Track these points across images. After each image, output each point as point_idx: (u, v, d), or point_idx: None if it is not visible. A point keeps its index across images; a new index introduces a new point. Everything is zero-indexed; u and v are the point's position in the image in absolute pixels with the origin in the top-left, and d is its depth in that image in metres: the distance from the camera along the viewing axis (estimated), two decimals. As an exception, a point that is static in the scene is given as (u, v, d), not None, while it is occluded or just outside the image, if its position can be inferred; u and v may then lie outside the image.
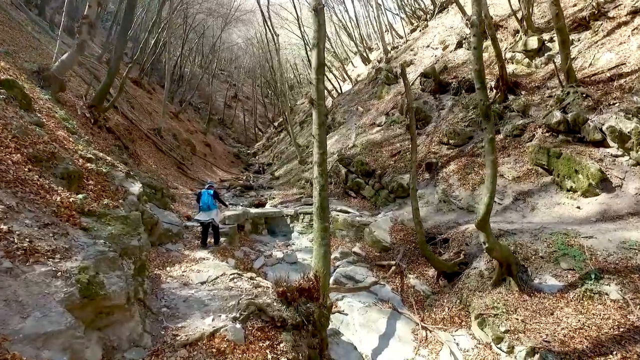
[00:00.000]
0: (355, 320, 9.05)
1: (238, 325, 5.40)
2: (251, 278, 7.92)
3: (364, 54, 35.88)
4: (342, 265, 11.61)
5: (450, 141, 15.56)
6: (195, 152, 30.52)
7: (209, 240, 11.10)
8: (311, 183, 17.96)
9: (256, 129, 54.23)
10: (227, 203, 13.00)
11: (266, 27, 29.13)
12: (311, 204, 16.16)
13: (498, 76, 15.41)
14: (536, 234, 9.83)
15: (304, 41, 30.87)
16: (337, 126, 23.01)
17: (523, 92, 14.72)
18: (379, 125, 19.55)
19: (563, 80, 12.85)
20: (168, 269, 8.28)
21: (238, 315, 5.65)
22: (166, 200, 12.59)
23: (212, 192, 11.04)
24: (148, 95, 33.93)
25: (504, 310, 8.33)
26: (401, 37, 31.13)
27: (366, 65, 34.95)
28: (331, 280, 10.76)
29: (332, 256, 12.40)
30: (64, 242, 4.38)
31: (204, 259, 9.52)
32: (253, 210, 14.40)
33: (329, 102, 32.03)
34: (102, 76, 20.34)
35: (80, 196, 5.91)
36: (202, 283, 7.40)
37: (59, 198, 5.41)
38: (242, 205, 18.69)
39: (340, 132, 22.07)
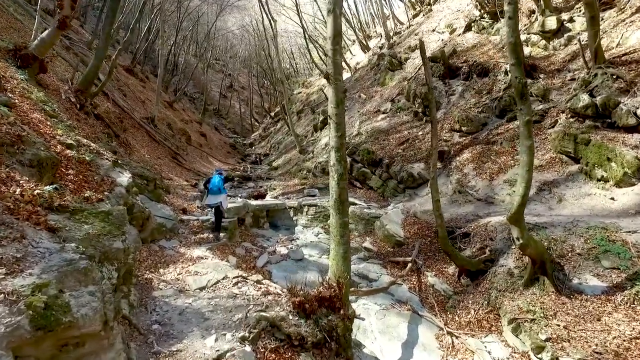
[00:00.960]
0: (374, 326, 7.96)
1: (248, 348, 4.28)
2: (258, 282, 6.78)
3: (363, 42, 34.53)
4: (353, 262, 10.48)
5: (463, 128, 14.44)
6: (191, 142, 29.19)
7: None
8: (314, 173, 16.83)
9: (252, 119, 52.80)
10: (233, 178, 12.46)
11: (263, 12, 27.69)
12: (314, 195, 15.08)
13: (514, 59, 14.24)
14: (569, 228, 8.77)
15: (302, 28, 29.51)
16: (338, 114, 21.82)
17: (542, 76, 13.60)
18: (384, 113, 18.38)
19: (589, 61, 11.71)
20: (161, 271, 7.13)
21: (247, 333, 4.53)
22: (159, 192, 11.40)
23: (222, 176, 10.87)
24: (141, 83, 32.45)
25: (542, 314, 7.28)
26: (402, 24, 29.82)
27: (365, 53, 33.62)
28: (342, 280, 9.69)
29: (341, 252, 11.31)
30: (15, 250, 3.21)
31: (202, 257, 8.38)
32: (253, 203, 13.24)
33: (328, 91, 30.77)
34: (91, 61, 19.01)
35: (48, 188, 4.71)
36: (201, 289, 6.26)
37: (18, 190, 4.22)
38: (240, 197, 17.53)
39: (342, 120, 20.90)
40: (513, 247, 9.06)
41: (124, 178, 8.51)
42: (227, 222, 10.82)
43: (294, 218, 13.55)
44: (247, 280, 6.77)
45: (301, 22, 28.40)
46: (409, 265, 10.01)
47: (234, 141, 42.20)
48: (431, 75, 9.76)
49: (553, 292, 7.72)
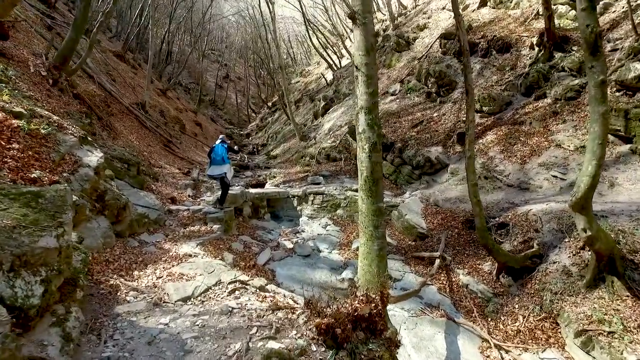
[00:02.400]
0: (405, 340, 6.25)
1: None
2: (261, 289, 5.07)
3: (364, 27, 32.60)
4: (370, 258, 8.81)
5: (484, 108, 12.71)
6: (185, 131, 27.27)
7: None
8: (317, 160, 15.09)
9: (249, 110, 50.82)
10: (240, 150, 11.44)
11: (260, -6, 25.73)
12: (319, 183, 13.32)
13: (542, 30, 12.54)
14: (638, 217, 7.11)
15: (301, 11, 27.55)
16: (342, 98, 20.01)
17: (575, 48, 11.87)
18: (393, 94, 16.61)
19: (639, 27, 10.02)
20: (136, 273, 5.38)
21: (250, 382, 2.80)
22: (143, 179, 9.61)
23: (225, 145, 9.74)
24: (133, 70, 30.39)
25: (622, 326, 5.64)
26: (405, 8, 27.90)
27: (366, 39, 31.71)
28: (360, 280, 8.00)
29: (355, 245, 9.62)
30: None
31: (191, 255, 6.63)
32: (253, 191, 11.46)
33: (329, 75, 28.93)
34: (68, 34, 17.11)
35: None
36: (185, 300, 4.53)
37: None
38: (238, 186, 15.78)
39: (346, 103, 19.08)
40: (566, 240, 7.40)
41: (93, 158, 6.74)
42: (223, 213, 9.07)
43: (298, 208, 11.82)
44: (247, 287, 5.05)
45: (300, 3, 26.42)
46: (437, 261, 8.32)
47: (230, 132, 40.26)
48: (466, 41, 8.04)
49: (628, 296, 6.09)
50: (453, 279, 8.08)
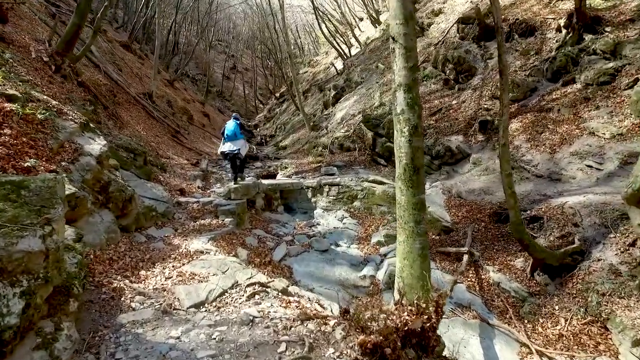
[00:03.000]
0: (439, 346, 5.64)
1: None
2: (284, 292, 4.48)
3: (374, 16, 31.72)
4: (393, 252, 8.19)
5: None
6: (193, 122, 26.71)
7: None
8: (331, 150, 14.43)
9: (256, 100, 50.11)
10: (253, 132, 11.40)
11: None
12: (333, 174, 12.66)
13: (570, 11, 11.71)
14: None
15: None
16: (353, 86, 19.25)
17: (608, 29, 11.05)
18: (408, 82, 15.86)
19: (681, 3, 9.21)
20: (142, 273, 4.78)
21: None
22: (150, 169, 9.01)
23: (238, 122, 9.43)
24: (139, 60, 29.79)
25: (688, 333, 4.99)
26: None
27: (376, 27, 30.85)
28: (385, 277, 7.39)
29: (375, 240, 9.00)
30: None
31: (202, 252, 6.03)
32: (265, 182, 10.83)
33: (339, 64, 28.13)
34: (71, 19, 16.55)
35: None
36: (198, 306, 3.93)
37: None
38: (248, 177, 15.18)
39: (358, 92, 18.32)
40: (612, 235, 6.71)
41: (96, 146, 6.14)
42: (235, 205, 8.46)
43: (313, 200, 11.19)
44: (268, 290, 4.44)
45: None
46: (465, 257, 7.67)
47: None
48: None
49: (690, 299, 5.42)
50: (483, 277, 7.44)
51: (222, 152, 9.55)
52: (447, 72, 14.44)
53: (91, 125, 6.57)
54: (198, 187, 10.62)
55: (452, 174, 11.36)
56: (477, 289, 7.22)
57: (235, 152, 9.20)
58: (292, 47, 27.62)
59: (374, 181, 11.33)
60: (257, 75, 52.21)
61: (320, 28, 29.02)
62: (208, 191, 10.44)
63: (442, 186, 10.74)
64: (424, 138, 12.36)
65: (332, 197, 10.93)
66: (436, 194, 10.04)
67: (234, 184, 9.36)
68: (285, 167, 14.74)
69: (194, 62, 49.68)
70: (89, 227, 5.10)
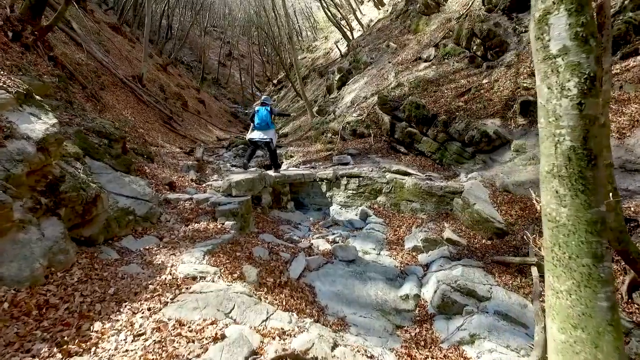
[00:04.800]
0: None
1: None
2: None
3: (377, -3, 29.51)
4: (438, 263, 6.32)
5: (551, 71, 10.01)
6: (187, 108, 24.53)
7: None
8: (342, 137, 12.46)
9: (253, 88, 47.76)
10: (290, 113, 10.38)
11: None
12: (347, 163, 10.67)
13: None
14: None
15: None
16: (362, 68, 17.20)
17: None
18: (426, 61, 13.85)
19: None
20: (95, 329, 2.84)
21: None
22: (130, 159, 7.01)
23: (269, 107, 8.97)
24: (130, 43, 27.40)
25: None
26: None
27: (379, 9, 28.65)
28: (436, 298, 5.52)
29: (411, 245, 7.12)
30: None
31: (195, 277, 4.11)
32: (273, 174, 8.84)
33: (343, 46, 25.97)
34: None
35: None
36: None
37: None
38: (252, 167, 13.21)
39: (368, 73, 16.28)
40: None
41: (39, 126, 4.16)
42: (237, 204, 6.51)
43: (328, 194, 9.27)
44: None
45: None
46: (534, 271, 5.81)
47: (235, 110, 37.40)
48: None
49: None
50: (560, 296, 5.58)
51: (250, 140, 9.21)
52: (474, 48, 12.46)
53: (37, 98, 4.55)
54: (191, 180, 8.66)
55: (490, 163, 9.48)
56: (555, 313, 5.37)
57: (267, 140, 8.93)
58: (292, 29, 25.38)
59: (397, 172, 9.43)
60: (253, 62, 49.78)
61: (324, 9, 26.77)
62: (204, 185, 8.48)
63: (481, 178, 8.86)
64: (454, 122, 10.45)
65: (351, 191, 9.01)
66: (478, 188, 8.15)
67: (274, 172, 9.05)
68: (291, 156, 12.77)
69: (189, 48, 47.12)
70: (12, 251, 3.16)
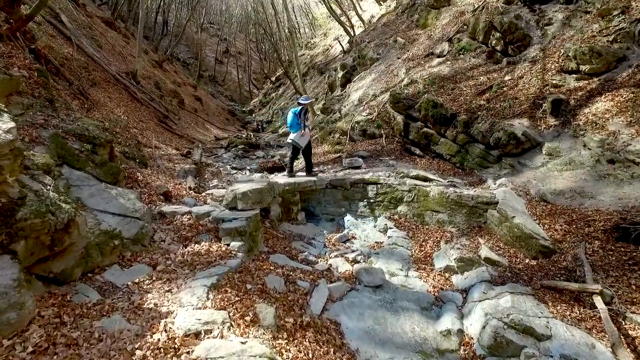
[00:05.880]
0: None
1: None
2: None
3: (379, -8, 28.41)
4: (479, 288, 5.31)
5: (583, 67, 9.03)
6: (184, 106, 23.37)
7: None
8: (351, 137, 11.46)
9: (251, 85, 46.57)
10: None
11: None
12: (359, 167, 9.59)
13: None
14: None
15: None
16: (368, 64, 16.15)
17: None
18: (440, 56, 12.83)
19: None
20: None
21: None
22: (118, 167, 5.93)
23: (297, 109, 8.57)
24: (124, 39, 26.15)
25: None
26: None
27: (381, 5, 27.59)
28: (485, 337, 4.52)
29: (442, 264, 6.13)
30: None
31: (199, 333, 3.09)
32: (281, 181, 7.75)
33: (344, 42, 24.86)
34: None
35: None
36: None
37: None
38: (250, 170, 12.17)
39: (376, 69, 15.24)
40: None
41: (-10, 131, 3.06)
42: (245, 220, 5.46)
43: (341, 203, 8.24)
44: None
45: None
46: (598, 301, 4.84)
47: (232, 108, 36.24)
48: None
49: None
50: (631, 334, 4.63)
51: (294, 142, 8.66)
52: (493, 42, 11.46)
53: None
54: (190, 188, 7.60)
55: (519, 168, 8.51)
56: (630, 350, 4.41)
57: (289, 142, 8.86)
58: (292, 25, 24.28)
59: (417, 177, 8.43)
60: (251, 60, 48.54)
61: (326, 4, 25.66)
62: (203, 194, 7.43)
63: (511, 184, 7.88)
64: (476, 122, 9.47)
65: (368, 200, 7.99)
66: (511, 196, 7.17)
67: (293, 175, 8.69)
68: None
69: (185, 45, 45.82)
70: None
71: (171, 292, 3.85)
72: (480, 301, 5.05)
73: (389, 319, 4.85)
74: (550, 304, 5.08)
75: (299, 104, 8.79)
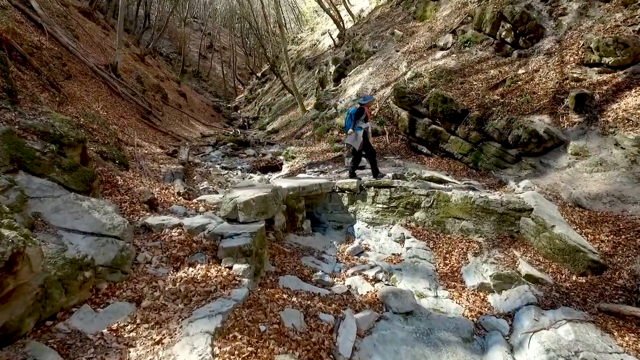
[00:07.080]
0: None
1: None
2: None
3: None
4: (527, 314, 4.42)
5: (606, 59, 8.26)
6: (168, 102, 21.99)
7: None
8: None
9: (235, 81, 45.06)
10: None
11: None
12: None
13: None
14: None
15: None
16: (364, 57, 15.17)
17: None
18: (443, 49, 11.95)
19: None
20: None
21: None
22: (92, 172, 4.80)
23: (354, 110, 7.31)
24: (104, 31, 24.49)
25: None
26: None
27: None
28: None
29: (475, 281, 5.21)
30: None
31: None
32: (285, 185, 6.68)
33: (334, 34, 23.79)
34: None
35: None
36: None
37: None
38: (242, 170, 11.09)
39: (373, 63, 14.25)
40: None
41: None
42: (249, 236, 4.43)
43: (350, 208, 7.26)
44: None
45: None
46: (675, 330, 4.02)
47: (217, 104, 34.80)
48: None
49: None
50: None
51: (354, 145, 7.46)
52: (503, 34, 10.62)
53: None
54: (178, 193, 6.50)
55: (542, 169, 7.69)
56: None
57: (347, 143, 7.86)
58: (280, 19, 23.10)
59: (431, 179, 7.54)
60: (236, 55, 46.98)
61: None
62: (194, 200, 6.35)
63: (537, 187, 7.05)
64: (490, 119, 8.63)
65: (380, 205, 7.04)
66: (542, 201, 6.33)
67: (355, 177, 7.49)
68: (293, 157, 10.70)
69: (168, 39, 43.96)
70: None
71: (162, 343, 2.83)
72: (534, 332, 4.16)
73: (429, 357, 3.91)
74: (616, 334, 4.22)
75: (360, 104, 7.52)
